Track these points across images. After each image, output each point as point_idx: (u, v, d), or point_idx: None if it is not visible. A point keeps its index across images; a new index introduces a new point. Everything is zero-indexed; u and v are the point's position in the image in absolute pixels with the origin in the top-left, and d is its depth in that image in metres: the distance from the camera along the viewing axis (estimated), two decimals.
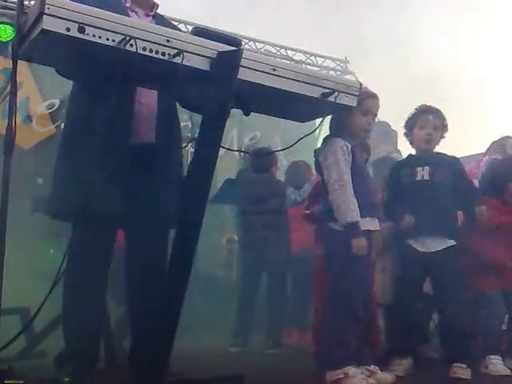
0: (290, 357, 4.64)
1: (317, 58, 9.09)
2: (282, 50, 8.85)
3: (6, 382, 2.50)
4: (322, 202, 3.54)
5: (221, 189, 5.65)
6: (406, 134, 4.15)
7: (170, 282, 2.69)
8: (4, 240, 2.49)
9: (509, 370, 3.90)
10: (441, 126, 4.03)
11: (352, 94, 3.04)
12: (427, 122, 4.00)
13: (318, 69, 8.50)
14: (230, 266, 7.07)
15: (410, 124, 4.09)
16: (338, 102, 2.96)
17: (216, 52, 2.61)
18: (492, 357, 3.96)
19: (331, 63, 9.27)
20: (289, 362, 4.30)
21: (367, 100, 3.47)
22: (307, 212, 4.27)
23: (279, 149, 3.38)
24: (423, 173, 3.96)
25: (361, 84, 3.12)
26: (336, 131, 3.53)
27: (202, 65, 2.59)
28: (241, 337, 4.98)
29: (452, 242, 3.90)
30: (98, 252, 3.09)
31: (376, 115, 3.62)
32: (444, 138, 4.08)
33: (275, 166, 5.55)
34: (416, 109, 4.11)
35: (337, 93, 2.95)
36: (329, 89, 2.94)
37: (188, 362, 3.22)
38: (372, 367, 3.35)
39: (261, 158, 5.34)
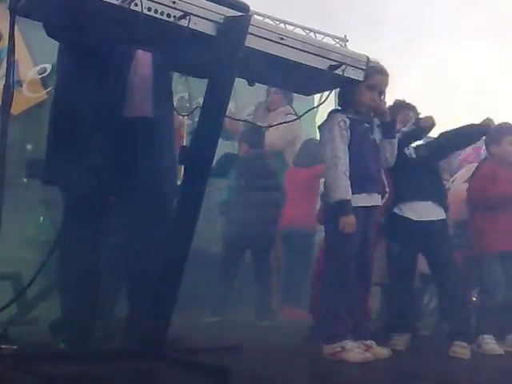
0: (286, 330, 4.64)
1: (316, 34, 8.96)
2: (281, 25, 8.71)
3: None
4: None
5: (218, 162, 5.59)
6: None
7: (170, 252, 2.67)
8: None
9: (502, 350, 3.91)
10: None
11: (359, 68, 3.00)
12: (407, 117, 4.04)
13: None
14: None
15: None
16: (345, 75, 2.91)
17: (223, 17, 2.54)
18: (486, 336, 3.97)
19: (331, 41, 9.16)
20: (285, 334, 4.30)
21: (374, 75, 3.42)
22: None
23: (289, 120, 3.33)
24: (409, 151, 3.97)
25: (368, 58, 3.07)
26: (341, 105, 3.50)
27: (209, 29, 2.52)
28: (221, 309, 4.99)
29: (444, 215, 3.91)
30: (92, 220, 3.05)
31: (383, 92, 3.55)
32: None
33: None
34: (395, 102, 4.10)
35: (344, 66, 2.91)
36: (336, 61, 2.89)
37: (182, 334, 3.20)
38: (369, 342, 3.35)
39: (257, 134, 5.27)
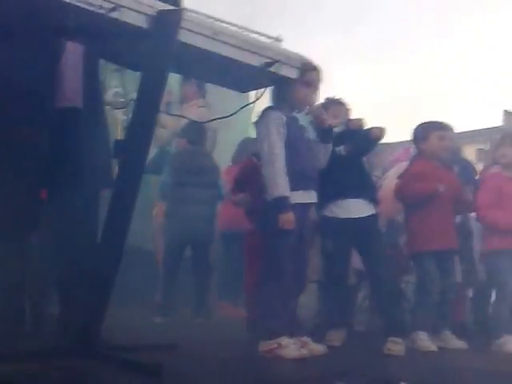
0: (223, 328, 4.63)
1: (251, 33, 9.00)
2: (225, 27, 8.69)
3: None
4: None
5: (153, 158, 5.52)
6: (311, 121, 4.15)
7: (105, 248, 2.62)
8: None
9: (435, 347, 4.00)
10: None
11: (293, 66, 3.02)
12: (338, 111, 4.04)
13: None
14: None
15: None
16: (279, 72, 2.93)
17: (156, 10, 2.52)
18: (420, 333, 4.05)
19: (265, 40, 9.22)
20: (221, 332, 4.28)
21: (309, 72, 3.45)
22: (233, 199, 4.32)
23: (217, 117, 3.31)
24: (340, 149, 3.98)
25: (302, 56, 3.10)
26: (275, 102, 3.49)
27: (140, 22, 2.49)
28: (166, 308, 4.92)
29: (374, 211, 3.96)
30: (22, 212, 2.96)
31: (318, 88, 3.59)
32: None
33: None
34: (327, 98, 4.12)
35: (278, 63, 2.91)
36: (271, 58, 2.90)
37: (116, 332, 3.15)
38: (304, 338, 3.36)
39: (197, 130, 5.23)
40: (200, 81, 3.04)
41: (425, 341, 4.01)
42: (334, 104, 4.09)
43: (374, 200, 4.00)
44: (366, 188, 4.01)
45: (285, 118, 3.41)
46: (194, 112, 5.30)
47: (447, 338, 4.20)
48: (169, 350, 2.90)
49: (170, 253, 5.13)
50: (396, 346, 3.65)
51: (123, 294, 5.26)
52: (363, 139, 3.98)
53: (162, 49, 2.54)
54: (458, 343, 4.15)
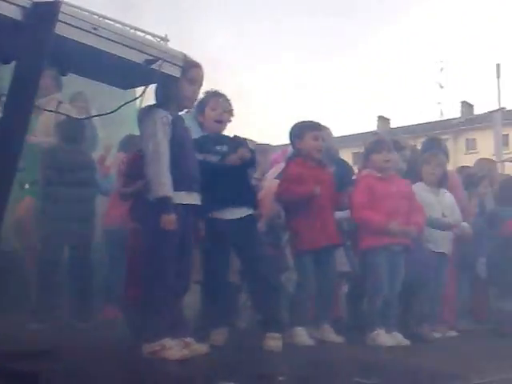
0: (105, 331, 4.49)
1: (137, 32, 8.86)
2: (105, 22, 8.45)
3: None
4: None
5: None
6: (196, 116, 4.17)
7: None
8: None
9: (312, 342, 4.12)
10: (229, 110, 4.13)
11: (176, 64, 2.99)
12: (218, 103, 4.06)
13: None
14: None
15: (202, 105, 4.09)
16: (161, 70, 2.89)
17: (30, 2, 2.40)
18: (298, 328, 4.16)
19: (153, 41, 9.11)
20: (104, 335, 4.15)
21: (192, 69, 3.46)
22: (120, 191, 4.20)
23: (96, 114, 3.20)
24: (223, 149, 3.98)
25: (185, 54, 3.09)
26: (161, 101, 3.45)
27: (13, 13, 2.36)
28: (42, 312, 4.68)
29: (251, 211, 4.01)
30: None
31: (201, 85, 3.58)
32: (231, 121, 4.18)
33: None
34: (206, 92, 4.12)
35: (161, 61, 2.88)
36: (153, 56, 2.85)
37: None
38: (188, 339, 3.35)
39: (72, 128, 5.04)
40: (79, 75, 2.91)
41: (302, 336, 4.13)
42: (213, 96, 4.08)
43: (252, 202, 4.04)
44: (244, 191, 4.02)
45: (171, 117, 3.38)
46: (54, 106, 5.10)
47: (326, 331, 4.34)
48: (47, 356, 2.77)
49: (46, 255, 4.89)
50: (274, 342, 3.72)
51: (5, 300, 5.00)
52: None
53: (37, 42, 2.42)
54: (335, 337, 4.31)
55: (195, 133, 4.00)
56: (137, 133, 3.83)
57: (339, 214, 4.67)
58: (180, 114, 3.61)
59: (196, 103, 4.03)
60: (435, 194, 5.13)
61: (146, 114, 3.43)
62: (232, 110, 4.15)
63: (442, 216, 5.07)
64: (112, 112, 2.95)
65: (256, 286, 4.02)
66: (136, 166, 4.11)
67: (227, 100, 4.12)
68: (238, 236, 3.92)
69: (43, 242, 4.92)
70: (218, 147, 3.96)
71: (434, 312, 5.09)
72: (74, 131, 5.03)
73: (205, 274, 4.02)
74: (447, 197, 5.23)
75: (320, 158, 4.55)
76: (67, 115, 4.43)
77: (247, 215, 3.97)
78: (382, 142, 4.83)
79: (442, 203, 5.13)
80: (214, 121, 4.03)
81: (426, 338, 4.73)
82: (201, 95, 3.97)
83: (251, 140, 5.30)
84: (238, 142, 4.06)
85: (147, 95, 3.25)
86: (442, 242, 5.07)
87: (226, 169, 3.86)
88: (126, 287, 3.91)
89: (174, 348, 3.16)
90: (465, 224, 5.34)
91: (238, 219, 3.92)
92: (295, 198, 4.30)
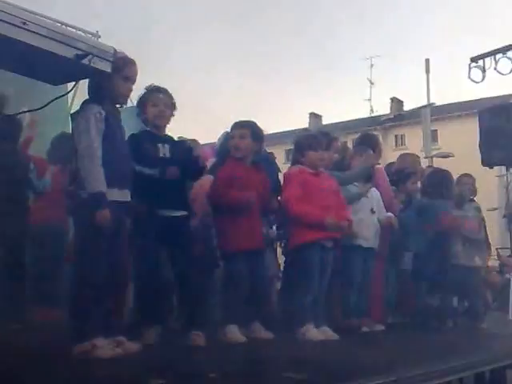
0: (36, 333, 4.38)
1: (68, 27, 8.64)
2: (34, 16, 8.19)
3: None
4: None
5: None
6: (138, 113, 4.14)
7: None
8: None
9: (244, 338, 4.16)
10: (171, 104, 4.11)
11: (106, 59, 2.97)
12: (159, 99, 4.04)
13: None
14: None
15: (143, 101, 4.07)
16: (92, 65, 2.87)
17: None
18: (231, 326, 4.18)
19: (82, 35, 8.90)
20: (35, 338, 4.05)
21: (128, 66, 3.43)
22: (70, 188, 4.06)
23: (25, 110, 3.13)
24: (164, 150, 3.99)
25: (115, 49, 3.06)
26: (94, 97, 3.40)
27: None
28: None
29: (184, 212, 4.02)
30: None
31: (135, 81, 3.55)
32: (174, 115, 4.17)
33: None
34: (146, 88, 4.11)
35: (91, 56, 2.85)
36: (83, 51, 2.83)
37: None
38: (120, 338, 3.32)
39: (8, 125, 4.88)
40: (7, 71, 2.85)
41: (234, 333, 4.16)
42: (154, 92, 4.06)
43: (185, 207, 4.05)
44: (179, 199, 4.01)
45: (104, 113, 3.34)
46: None
47: (256, 328, 4.39)
48: None
49: None
50: (196, 338, 3.76)
51: None
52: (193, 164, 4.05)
53: None
54: (266, 334, 4.36)
55: (136, 129, 3.97)
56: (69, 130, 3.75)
57: None
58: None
59: (137, 100, 4.05)
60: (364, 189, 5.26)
61: (80, 109, 3.37)
62: (174, 103, 4.12)
63: (370, 212, 5.22)
64: (41, 108, 2.90)
65: (181, 286, 4.03)
66: None
67: (169, 95, 4.09)
68: (169, 234, 3.89)
69: None
70: (160, 145, 3.95)
71: (363, 306, 5.23)
72: (12, 129, 4.88)
73: (137, 272, 4.00)
74: (375, 192, 5.39)
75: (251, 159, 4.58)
76: None
77: (181, 215, 3.97)
78: (319, 139, 4.88)
79: (370, 199, 5.28)
80: (155, 116, 4.00)
81: (354, 331, 4.87)
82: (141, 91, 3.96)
83: (196, 141, 5.29)
84: (181, 147, 4.07)
85: (80, 92, 3.21)
86: (371, 238, 5.20)
87: (164, 182, 3.84)
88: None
89: (105, 347, 3.13)
90: (390, 214, 5.44)
91: (171, 217, 3.90)
92: (232, 203, 4.29)
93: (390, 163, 7.07)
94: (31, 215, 5.00)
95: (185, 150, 4.17)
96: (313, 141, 4.81)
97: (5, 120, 4.86)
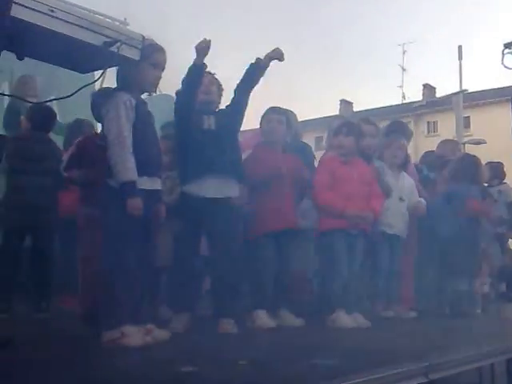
0: (64, 321, 4.43)
1: (95, 15, 8.68)
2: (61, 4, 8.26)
3: None
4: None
5: None
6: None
7: None
8: None
9: (274, 324, 4.14)
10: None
11: (135, 47, 2.96)
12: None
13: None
14: None
15: None
16: (120, 52, 2.85)
17: None
18: (259, 311, 4.18)
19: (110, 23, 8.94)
20: (62, 326, 4.10)
21: (156, 53, 3.40)
22: (66, 175, 4.09)
23: (52, 98, 3.13)
24: (210, 122, 4.00)
25: (143, 37, 3.04)
26: (122, 84, 3.38)
27: None
28: (1, 303, 4.59)
29: (230, 194, 3.99)
30: None
31: (164, 69, 3.52)
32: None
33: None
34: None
35: (119, 43, 2.84)
36: (111, 38, 2.82)
37: None
38: (149, 325, 3.32)
39: (43, 116, 4.93)
40: (36, 59, 2.85)
41: (263, 318, 4.15)
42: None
43: (239, 177, 4.02)
44: (232, 164, 3.99)
45: (134, 102, 3.31)
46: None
47: (285, 316, 4.37)
48: (3, 347, 2.72)
49: (7, 244, 4.78)
50: (228, 326, 3.76)
51: None
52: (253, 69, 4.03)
53: None
54: (295, 321, 4.34)
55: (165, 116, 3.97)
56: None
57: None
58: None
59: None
60: (395, 178, 5.20)
61: (109, 97, 3.35)
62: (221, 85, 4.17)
63: (399, 200, 5.16)
64: (70, 96, 2.89)
65: (215, 275, 4.04)
66: (83, 149, 4.05)
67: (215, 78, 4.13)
68: (210, 219, 3.89)
69: (4, 232, 4.81)
70: (205, 116, 3.97)
71: (394, 293, 5.19)
72: (46, 119, 4.91)
73: (174, 258, 3.99)
74: (407, 180, 5.32)
75: (283, 144, 4.56)
76: (22, 99, 4.30)
77: (225, 197, 3.94)
78: (352, 126, 4.85)
79: (401, 187, 5.21)
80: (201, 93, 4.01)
81: (386, 318, 4.84)
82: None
83: None
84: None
85: (106, 80, 3.20)
86: (397, 226, 5.13)
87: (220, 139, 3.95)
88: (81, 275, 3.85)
89: (134, 335, 3.13)
90: (421, 200, 5.38)
91: (214, 199, 3.88)
92: (257, 176, 4.27)
93: (429, 151, 6.99)
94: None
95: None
96: (345, 127, 4.78)
97: (37, 109, 4.92)
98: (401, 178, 5.26)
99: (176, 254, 3.98)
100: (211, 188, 3.90)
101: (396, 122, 6.49)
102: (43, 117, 4.94)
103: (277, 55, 4.09)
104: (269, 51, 4.06)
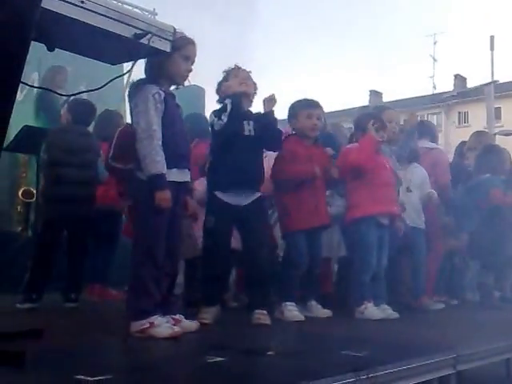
0: (92, 311, 4.50)
1: (125, 5, 8.75)
2: None
3: None
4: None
5: (17, 136, 5.19)
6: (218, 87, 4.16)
7: None
8: None
9: (303, 316, 4.15)
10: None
11: (165, 39, 2.95)
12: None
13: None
14: (26, 220, 6.62)
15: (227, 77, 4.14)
16: (151, 44, 2.85)
17: None
18: (288, 303, 4.18)
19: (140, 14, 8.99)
20: (90, 315, 4.16)
21: (187, 46, 3.41)
22: (112, 165, 4.09)
23: (83, 90, 3.15)
24: (249, 127, 4.00)
25: (174, 28, 3.03)
26: (152, 76, 3.38)
27: None
28: (34, 293, 4.66)
29: (259, 194, 4.01)
30: None
31: (194, 62, 3.52)
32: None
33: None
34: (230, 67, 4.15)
35: (150, 35, 2.84)
36: (141, 30, 2.81)
37: None
38: (177, 316, 3.35)
39: (83, 109, 4.98)
40: (66, 51, 2.87)
41: (292, 311, 4.16)
42: (241, 72, 4.10)
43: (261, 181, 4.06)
44: (257, 178, 4.04)
45: (163, 94, 3.32)
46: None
47: (313, 307, 4.38)
48: (34, 337, 2.77)
49: (45, 235, 4.85)
50: (262, 316, 3.77)
51: None
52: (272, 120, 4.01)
53: (23, 16, 2.36)
54: (323, 312, 4.34)
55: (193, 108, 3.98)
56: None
57: None
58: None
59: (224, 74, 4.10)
60: (403, 169, 5.21)
61: (137, 89, 3.36)
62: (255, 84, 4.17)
63: (406, 190, 5.16)
64: (100, 88, 2.90)
65: (248, 268, 4.07)
66: (127, 139, 4.06)
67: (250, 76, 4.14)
68: (243, 220, 3.93)
69: (44, 223, 4.88)
70: (245, 122, 3.96)
71: (420, 285, 5.17)
72: (85, 113, 4.96)
73: (204, 250, 4.01)
74: (417, 172, 5.33)
75: (316, 137, 4.54)
76: (52, 91, 4.33)
77: (256, 198, 3.98)
78: (380, 120, 4.80)
79: (409, 178, 5.23)
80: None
81: (414, 310, 4.82)
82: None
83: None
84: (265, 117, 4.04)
85: (134, 72, 3.20)
86: (410, 216, 5.11)
87: (253, 147, 3.97)
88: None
89: (162, 325, 3.14)
90: (432, 190, 5.38)
91: (245, 206, 3.93)
92: (294, 178, 4.28)
93: (462, 142, 6.92)
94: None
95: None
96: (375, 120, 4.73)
97: (77, 103, 4.98)
98: (409, 169, 5.26)
99: (206, 247, 3.99)
100: (243, 196, 3.94)
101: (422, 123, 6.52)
102: (84, 110, 4.99)
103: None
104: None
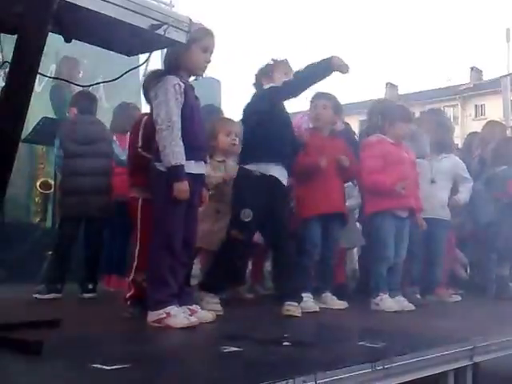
0: (109, 301, 4.53)
1: None
2: None
3: None
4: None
5: (35, 128, 5.24)
6: (258, 78, 4.19)
7: None
8: None
9: (317, 307, 4.15)
10: None
11: (182, 30, 2.94)
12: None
13: None
14: (44, 212, 6.68)
15: (269, 69, 4.14)
16: (167, 35, 2.84)
17: None
18: (304, 294, 4.18)
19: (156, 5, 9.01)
20: (108, 306, 4.19)
21: (206, 37, 3.40)
22: (142, 154, 4.07)
23: (100, 81, 3.15)
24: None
25: (191, 19, 3.02)
26: (171, 67, 3.38)
27: None
28: (55, 283, 4.70)
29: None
30: None
31: (212, 53, 3.51)
32: None
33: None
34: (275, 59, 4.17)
35: (166, 26, 2.83)
36: (158, 21, 2.80)
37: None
38: (194, 306, 3.37)
39: (87, 99, 5.01)
40: (82, 41, 2.88)
41: (308, 302, 4.16)
42: (283, 64, 4.12)
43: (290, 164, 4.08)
44: (289, 155, 4.06)
45: (183, 86, 3.31)
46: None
47: (328, 299, 4.38)
48: (51, 327, 2.79)
49: (64, 227, 4.88)
50: (293, 308, 3.78)
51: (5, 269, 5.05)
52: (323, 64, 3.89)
53: (40, 8, 2.38)
54: (338, 303, 4.35)
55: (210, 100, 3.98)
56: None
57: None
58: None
59: (262, 66, 4.12)
60: (430, 160, 5.23)
61: (157, 80, 3.36)
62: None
63: (429, 182, 5.14)
64: (116, 79, 2.91)
65: (277, 259, 4.07)
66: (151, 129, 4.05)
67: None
68: (271, 197, 3.91)
69: (62, 215, 4.92)
70: None
71: (436, 277, 5.15)
72: (88, 103, 4.99)
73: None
74: (444, 161, 5.30)
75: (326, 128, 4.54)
76: (68, 81, 4.33)
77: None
78: (409, 112, 4.85)
79: (432, 168, 5.22)
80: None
81: (430, 302, 4.81)
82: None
83: None
84: None
85: (150, 62, 3.19)
86: (427, 208, 5.02)
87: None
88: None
89: (179, 315, 3.16)
90: (461, 197, 5.36)
91: (277, 179, 3.93)
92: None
93: (473, 132, 6.85)
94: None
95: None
96: (404, 112, 4.77)
97: (79, 95, 5.00)
98: (437, 159, 5.26)
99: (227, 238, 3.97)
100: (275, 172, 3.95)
101: (432, 110, 6.47)
102: (86, 100, 5.02)
103: (343, 68, 3.92)
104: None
